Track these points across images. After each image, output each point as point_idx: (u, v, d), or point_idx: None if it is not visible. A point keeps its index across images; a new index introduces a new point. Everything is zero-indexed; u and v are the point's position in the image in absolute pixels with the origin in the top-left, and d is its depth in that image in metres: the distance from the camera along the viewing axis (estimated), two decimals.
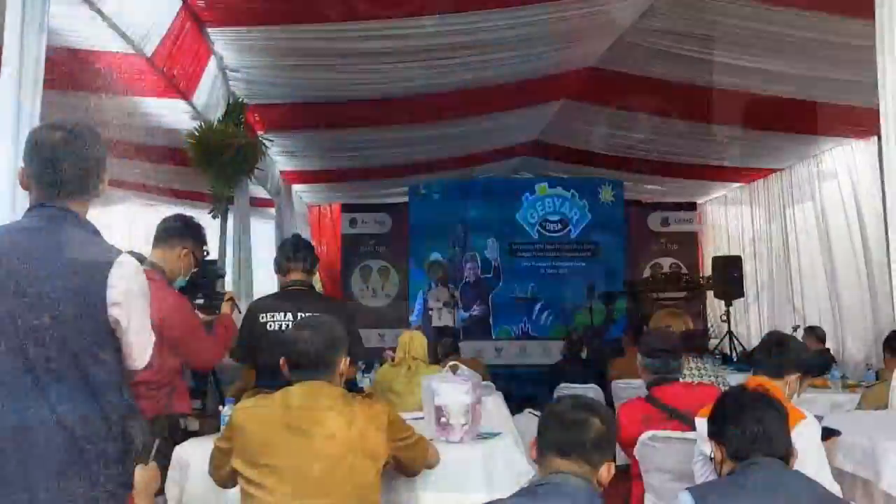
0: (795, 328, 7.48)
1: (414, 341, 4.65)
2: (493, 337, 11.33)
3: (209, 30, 5.09)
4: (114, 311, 1.86)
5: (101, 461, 1.85)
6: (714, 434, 2.14)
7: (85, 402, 1.83)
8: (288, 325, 3.44)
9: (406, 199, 11.71)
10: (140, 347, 1.96)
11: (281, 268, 3.65)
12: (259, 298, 4.11)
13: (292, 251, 3.65)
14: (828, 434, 2.72)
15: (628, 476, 3.28)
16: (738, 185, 11.18)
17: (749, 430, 2.03)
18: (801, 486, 1.92)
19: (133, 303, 1.90)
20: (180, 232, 3.27)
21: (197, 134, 5.72)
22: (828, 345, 7.35)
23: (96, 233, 1.98)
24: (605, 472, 1.94)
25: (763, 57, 6.12)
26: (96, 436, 1.84)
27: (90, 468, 1.83)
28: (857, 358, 8.00)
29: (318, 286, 11.13)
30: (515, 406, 6.23)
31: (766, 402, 2.14)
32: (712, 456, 2.19)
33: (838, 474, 2.95)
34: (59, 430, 1.81)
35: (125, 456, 1.89)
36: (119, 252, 1.93)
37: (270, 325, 3.48)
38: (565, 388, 6.16)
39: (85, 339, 1.84)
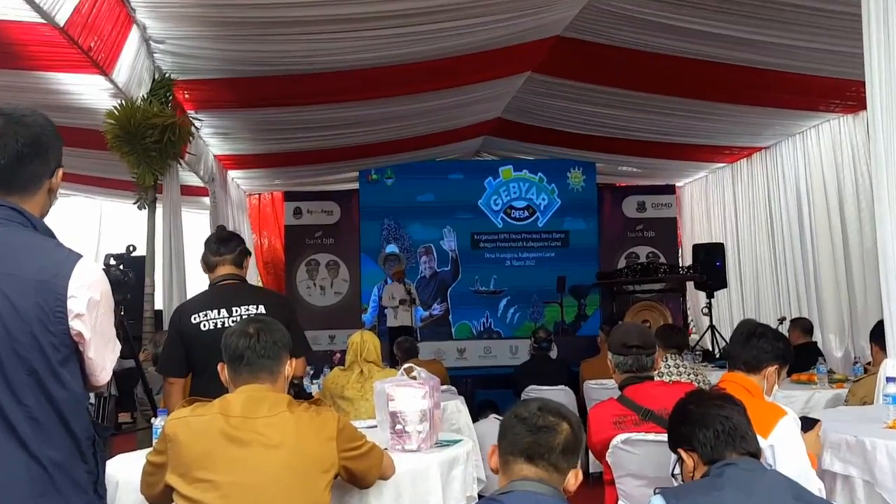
0: (781, 320, 7.68)
1: (366, 342, 4.63)
2: (454, 336, 11.41)
3: None
4: (76, 324, 1.82)
5: (72, 488, 1.82)
6: (681, 442, 2.20)
7: (51, 424, 1.80)
8: (223, 323, 3.41)
9: (356, 185, 11.72)
10: (103, 361, 1.92)
11: (208, 265, 3.61)
12: (185, 301, 4.06)
13: (217, 244, 3.62)
14: (808, 424, 2.82)
15: (601, 483, 3.36)
16: (719, 165, 11.40)
17: (720, 429, 2.11)
18: (777, 485, 2.00)
19: (94, 313, 1.86)
20: None
21: (116, 113, 5.64)
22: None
23: (50, 234, 1.92)
24: (573, 479, 2.01)
25: (744, 25, 6.23)
26: (67, 462, 1.81)
27: (63, 498, 1.80)
28: (837, 354, 8.28)
29: (259, 283, 11.10)
30: (479, 411, 6.32)
31: (727, 399, 2.24)
32: (675, 471, 2.26)
33: (822, 475, 3.06)
34: (21, 457, 1.76)
35: (95, 480, 1.88)
36: (78, 256, 1.87)
37: (204, 326, 3.43)
38: (533, 391, 6.21)
39: (45, 355, 1.79)
